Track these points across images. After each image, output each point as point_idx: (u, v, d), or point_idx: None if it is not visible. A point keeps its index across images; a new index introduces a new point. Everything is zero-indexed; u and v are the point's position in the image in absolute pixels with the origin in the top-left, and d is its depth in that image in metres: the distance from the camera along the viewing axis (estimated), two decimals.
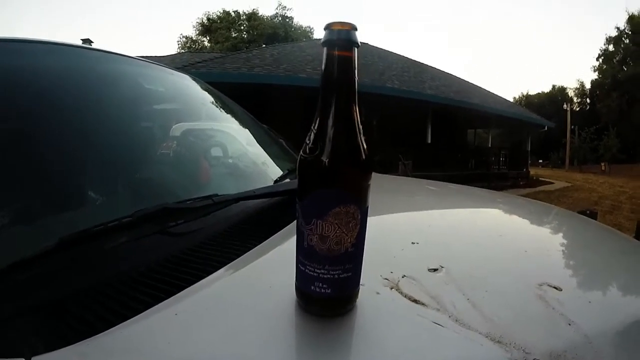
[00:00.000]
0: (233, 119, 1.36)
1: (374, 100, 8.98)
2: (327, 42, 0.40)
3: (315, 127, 0.41)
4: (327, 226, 0.40)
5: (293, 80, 8.49)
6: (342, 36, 0.40)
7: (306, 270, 0.42)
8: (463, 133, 15.10)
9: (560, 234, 0.95)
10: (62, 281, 0.48)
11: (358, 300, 0.45)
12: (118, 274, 0.50)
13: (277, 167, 1.10)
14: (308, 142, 0.41)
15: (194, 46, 27.64)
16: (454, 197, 1.26)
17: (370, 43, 14.31)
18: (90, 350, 0.36)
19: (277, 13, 26.26)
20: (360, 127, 0.41)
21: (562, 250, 0.76)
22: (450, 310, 0.44)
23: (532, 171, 14.81)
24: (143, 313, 0.41)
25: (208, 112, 1.33)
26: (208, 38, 27.58)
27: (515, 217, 1.07)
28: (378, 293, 0.48)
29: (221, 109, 1.38)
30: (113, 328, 0.39)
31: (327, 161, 0.40)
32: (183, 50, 25.35)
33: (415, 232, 0.75)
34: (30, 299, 0.44)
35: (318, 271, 0.41)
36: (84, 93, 0.84)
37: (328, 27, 0.40)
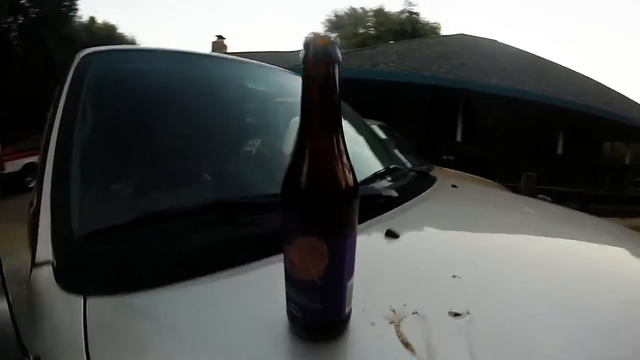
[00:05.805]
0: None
1: (502, 102, 8.26)
2: (305, 60, 0.37)
3: (296, 150, 0.39)
4: (294, 252, 0.39)
5: (418, 78, 8.24)
6: (319, 53, 0.36)
7: (286, 286, 0.42)
8: (599, 146, 13.09)
9: None
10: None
11: (349, 324, 0.43)
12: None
13: (371, 167, 1.09)
14: (290, 163, 0.39)
15: None
16: (547, 224, 0.99)
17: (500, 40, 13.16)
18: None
19: (403, 9, 26.11)
20: (343, 151, 0.39)
21: None
22: None
23: None
24: None
25: None
26: (337, 35, 28.78)
27: (622, 266, 0.75)
28: (373, 324, 0.44)
29: None
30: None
31: (293, 186, 0.38)
32: None
33: (467, 262, 0.63)
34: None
35: (290, 293, 0.41)
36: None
37: (306, 43, 0.37)
